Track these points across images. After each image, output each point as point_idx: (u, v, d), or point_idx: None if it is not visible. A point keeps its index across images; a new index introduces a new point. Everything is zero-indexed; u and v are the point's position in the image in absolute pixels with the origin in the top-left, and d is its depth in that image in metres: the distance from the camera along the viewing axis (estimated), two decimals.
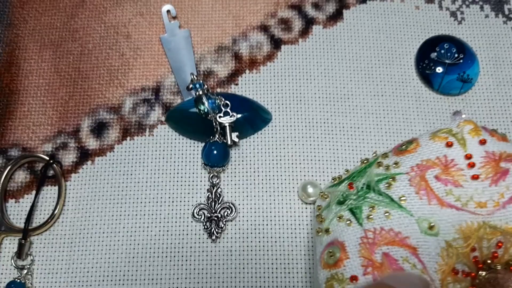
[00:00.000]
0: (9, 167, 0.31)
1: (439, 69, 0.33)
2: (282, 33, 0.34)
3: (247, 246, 0.30)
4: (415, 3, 0.36)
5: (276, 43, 0.34)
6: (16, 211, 0.31)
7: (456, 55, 0.33)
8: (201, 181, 0.31)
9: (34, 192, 0.31)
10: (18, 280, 0.29)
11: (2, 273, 0.29)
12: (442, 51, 0.34)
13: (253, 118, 0.32)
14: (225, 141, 0.31)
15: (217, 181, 0.31)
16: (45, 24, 0.35)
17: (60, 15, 0.35)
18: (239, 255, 0.29)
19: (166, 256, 0.29)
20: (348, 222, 0.25)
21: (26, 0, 0.35)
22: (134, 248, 0.30)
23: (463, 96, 0.33)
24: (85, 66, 0.34)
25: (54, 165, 0.31)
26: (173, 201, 0.31)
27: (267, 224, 0.30)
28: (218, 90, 0.33)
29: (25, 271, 0.29)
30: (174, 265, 0.29)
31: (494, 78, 0.34)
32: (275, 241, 0.30)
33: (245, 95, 0.33)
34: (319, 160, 0.31)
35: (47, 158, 0.31)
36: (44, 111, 0.33)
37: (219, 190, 0.31)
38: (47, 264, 0.29)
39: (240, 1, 0.35)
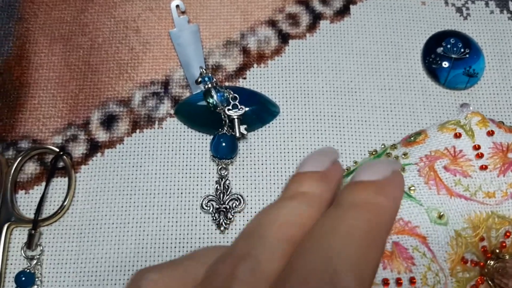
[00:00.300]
0: (19, 158, 0.31)
1: (445, 64, 0.33)
2: (289, 28, 0.35)
3: None
4: None
5: (284, 38, 0.35)
6: (26, 202, 0.31)
7: (462, 50, 0.34)
8: (209, 173, 0.31)
9: (44, 183, 0.31)
10: (28, 270, 0.29)
11: (12, 263, 0.29)
12: (448, 46, 0.34)
13: (261, 111, 0.32)
14: (233, 133, 0.31)
15: (226, 173, 0.31)
16: (55, 18, 0.35)
17: (70, 9, 0.35)
18: None
19: (175, 247, 0.29)
20: None
21: None
22: (143, 239, 0.30)
23: (469, 90, 0.34)
24: (95, 60, 0.34)
25: (64, 156, 0.31)
26: (182, 193, 0.31)
27: None
28: (227, 84, 0.34)
29: (35, 262, 0.29)
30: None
31: (499, 72, 0.34)
32: None
33: (253, 89, 0.33)
34: None
35: (57, 150, 0.31)
36: (54, 103, 0.33)
37: (227, 182, 0.31)
38: (57, 254, 0.29)
39: None
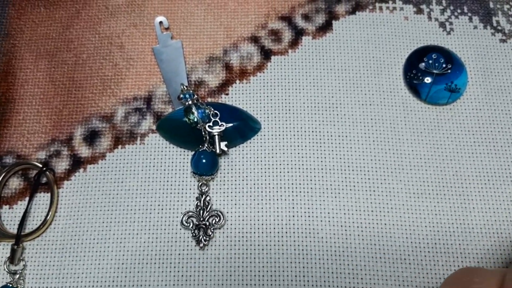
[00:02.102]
0: (3, 174, 0.31)
1: (428, 79, 0.33)
2: (272, 44, 0.35)
3: (235, 254, 0.30)
4: (404, 13, 0.36)
5: (266, 54, 0.35)
6: (10, 217, 0.31)
7: (444, 65, 0.34)
8: (190, 189, 0.32)
9: (27, 198, 0.31)
10: (11, 285, 0.29)
11: None
12: (430, 61, 0.34)
13: (243, 127, 0.32)
14: (214, 150, 0.31)
15: (206, 189, 0.31)
16: (41, 35, 0.36)
17: (56, 26, 0.36)
18: (227, 262, 0.30)
19: (155, 263, 0.30)
20: None
21: (24, 11, 0.36)
22: (123, 255, 0.30)
23: (451, 105, 0.34)
24: (79, 76, 0.34)
25: (47, 172, 0.31)
26: (162, 209, 0.31)
27: (254, 232, 0.30)
28: (209, 99, 0.34)
29: (18, 276, 0.30)
30: (162, 271, 0.30)
31: (482, 88, 0.34)
32: (263, 249, 0.30)
33: (235, 104, 0.34)
34: (307, 169, 0.32)
35: (41, 166, 0.31)
36: (39, 119, 0.33)
37: (207, 198, 0.31)
38: (39, 269, 0.30)
39: (232, 13, 0.36)
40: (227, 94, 0.34)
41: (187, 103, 0.32)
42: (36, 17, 0.36)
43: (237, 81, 0.34)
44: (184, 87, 0.32)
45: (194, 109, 0.31)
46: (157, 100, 0.34)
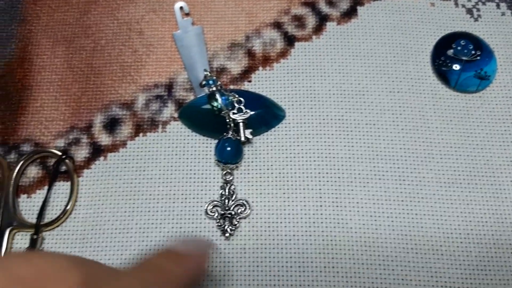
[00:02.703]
0: (21, 162, 0.31)
1: (456, 66, 0.33)
2: (295, 30, 0.34)
3: (261, 244, 0.29)
4: (430, 0, 0.35)
5: (290, 40, 0.34)
6: (28, 206, 0.30)
7: (473, 52, 0.33)
8: (214, 178, 0.31)
9: (46, 187, 0.30)
10: None
11: None
12: (459, 48, 0.33)
13: (267, 115, 0.31)
14: (238, 138, 0.30)
15: (231, 178, 0.30)
16: (58, 20, 0.35)
17: (73, 11, 0.35)
18: (253, 253, 0.29)
19: None
20: None
21: None
22: (146, 245, 0.29)
23: (480, 93, 0.33)
24: (98, 62, 0.33)
25: (67, 160, 0.30)
26: (186, 198, 0.30)
27: (281, 222, 0.30)
28: (231, 87, 0.33)
29: None
30: None
31: None
32: (290, 239, 0.29)
33: (258, 92, 0.33)
34: (334, 157, 0.31)
35: (60, 153, 0.30)
36: (57, 106, 0.32)
37: (232, 187, 0.30)
38: None
39: None
40: (250, 81, 0.33)
41: (210, 90, 0.31)
42: (53, 2, 0.35)
43: (260, 68, 0.33)
44: (208, 73, 0.31)
45: (218, 96, 0.30)
46: (179, 87, 0.33)
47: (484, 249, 0.29)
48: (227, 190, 0.30)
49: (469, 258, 0.29)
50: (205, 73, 0.31)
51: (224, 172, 0.30)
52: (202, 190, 0.30)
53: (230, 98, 0.31)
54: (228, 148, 0.30)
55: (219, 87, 0.31)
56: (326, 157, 0.31)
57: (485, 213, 0.30)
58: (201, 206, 0.30)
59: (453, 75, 0.33)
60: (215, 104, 0.30)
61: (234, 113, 0.30)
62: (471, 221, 0.30)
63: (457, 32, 0.34)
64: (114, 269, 0.20)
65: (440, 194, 0.30)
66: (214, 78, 0.31)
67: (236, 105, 0.31)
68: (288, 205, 0.30)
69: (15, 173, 0.30)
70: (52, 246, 0.29)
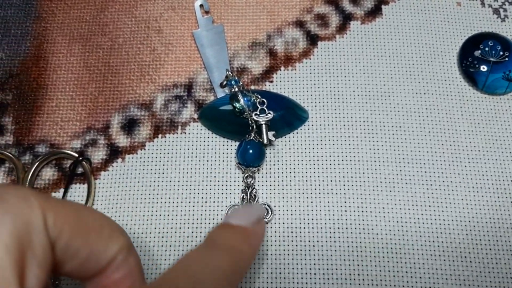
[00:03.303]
0: (36, 163, 0.30)
1: (484, 68, 0.32)
2: (318, 29, 0.33)
3: (284, 250, 0.28)
4: None
5: (312, 39, 0.33)
6: None
7: (501, 53, 0.32)
8: (235, 181, 0.30)
9: (62, 190, 0.30)
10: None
11: None
12: (487, 49, 0.32)
13: (289, 116, 0.30)
14: (260, 140, 0.29)
15: (252, 182, 0.30)
16: (74, 17, 0.34)
17: (90, 8, 0.34)
18: (276, 259, 0.28)
19: None
20: None
21: None
22: (166, 250, 0.28)
23: (508, 95, 0.32)
24: (115, 61, 0.32)
25: (84, 162, 0.30)
26: (206, 202, 0.29)
27: (304, 227, 0.29)
28: (252, 87, 0.32)
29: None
30: None
31: None
32: (313, 245, 0.28)
33: (280, 92, 0.32)
34: (359, 161, 0.30)
35: (76, 155, 0.30)
36: (73, 106, 0.32)
37: (254, 191, 0.29)
38: None
39: None
40: (271, 82, 0.32)
41: (232, 90, 0.30)
42: None
43: (282, 68, 0.32)
44: (229, 73, 0.31)
45: (240, 96, 0.29)
46: (198, 87, 0.32)
47: None
48: (248, 194, 0.29)
49: (499, 265, 0.28)
50: (227, 73, 0.31)
51: (246, 175, 0.30)
52: (222, 193, 0.30)
53: (253, 99, 0.30)
54: (251, 151, 0.29)
55: (241, 88, 0.30)
56: (350, 160, 0.30)
57: None
58: (222, 210, 0.29)
59: (481, 76, 0.32)
60: (237, 105, 0.29)
61: (256, 115, 0.29)
62: (500, 227, 0.29)
63: (485, 33, 0.33)
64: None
65: (468, 199, 0.29)
66: (236, 78, 0.30)
67: (258, 106, 0.30)
68: (312, 210, 0.29)
69: (30, 175, 0.29)
70: None
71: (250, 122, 0.29)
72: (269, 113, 0.29)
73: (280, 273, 0.28)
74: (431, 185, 0.29)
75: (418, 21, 0.33)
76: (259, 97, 0.30)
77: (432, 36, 0.33)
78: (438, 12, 0.34)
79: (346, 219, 0.29)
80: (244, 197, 0.29)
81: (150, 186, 0.30)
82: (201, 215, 0.29)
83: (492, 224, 0.29)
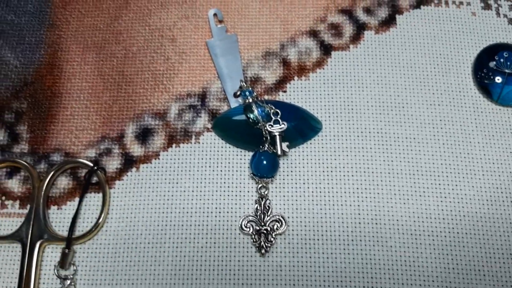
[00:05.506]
0: (52, 172, 0.30)
1: (498, 79, 0.31)
2: (332, 39, 0.33)
3: (298, 262, 0.28)
4: (471, 9, 0.34)
5: (326, 49, 0.33)
6: (58, 218, 0.30)
7: None
8: (248, 191, 0.30)
9: (76, 199, 0.30)
10: None
11: (44, 283, 0.28)
12: (502, 60, 0.32)
13: (303, 127, 0.30)
14: (274, 151, 0.29)
15: (266, 192, 0.30)
16: (88, 26, 0.34)
17: (104, 16, 0.34)
18: (289, 270, 0.28)
19: (213, 270, 0.28)
20: None
21: (69, 0, 0.34)
22: (180, 260, 0.28)
23: None
24: (129, 70, 0.33)
25: (98, 171, 0.30)
26: (220, 212, 0.29)
27: (318, 239, 0.29)
28: (266, 97, 0.32)
29: (68, 282, 0.28)
30: (221, 279, 0.28)
31: None
32: (327, 257, 0.28)
33: (293, 102, 0.32)
34: (372, 172, 0.30)
35: (91, 165, 0.30)
36: (88, 115, 0.32)
37: (267, 201, 0.29)
38: (91, 274, 0.28)
39: (288, 6, 0.34)
40: (284, 92, 0.32)
41: (246, 101, 0.30)
42: (82, 7, 0.34)
43: (296, 78, 0.32)
44: (243, 83, 0.31)
45: (254, 107, 0.29)
46: (212, 97, 0.32)
47: None
48: (262, 205, 0.29)
49: None
50: (241, 83, 0.31)
51: (259, 186, 0.30)
52: (236, 204, 0.30)
53: (267, 110, 0.30)
54: (265, 162, 0.29)
55: (255, 98, 0.30)
56: (364, 172, 0.30)
57: None
58: (235, 221, 0.29)
59: (496, 88, 0.31)
60: (251, 116, 0.29)
61: (270, 126, 0.29)
62: None
63: (500, 44, 0.33)
64: None
65: (482, 212, 0.29)
66: (250, 89, 0.30)
67: (272, 117, 0.30)
68: (325, 222, 0.29)
69: (45, 184, 0.30)
70: (83, 260, 0.29)
71: (264, 132, 0.29)
72: (283, 123, 0.29)
73: (294, 284, 0.28)
74: (445, 197, 0.29)
75: (433, 31, 0.33)
76: (273, 107, 0.30)
77: (447, 46, 0.33)
78: (453, 22, 0.34)
79: (360, 231, 0.29)
80: (258, 207, 0.29)
81: (164, 196, 0.30)
82: (215, 225, 0.29)
83: (506, 237, 0.29)
